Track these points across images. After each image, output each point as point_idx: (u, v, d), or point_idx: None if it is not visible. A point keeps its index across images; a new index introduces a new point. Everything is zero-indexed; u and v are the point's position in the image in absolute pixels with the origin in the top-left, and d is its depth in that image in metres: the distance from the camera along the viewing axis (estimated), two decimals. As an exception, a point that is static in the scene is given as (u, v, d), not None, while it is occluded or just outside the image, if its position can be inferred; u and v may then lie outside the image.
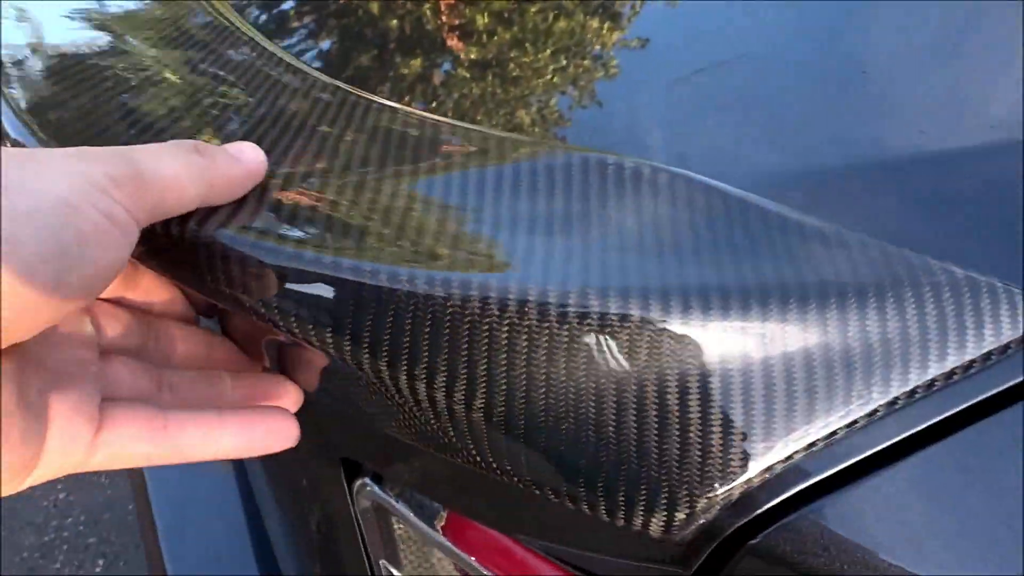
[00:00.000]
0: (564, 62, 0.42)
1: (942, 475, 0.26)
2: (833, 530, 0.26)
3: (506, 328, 0.26)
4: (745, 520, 0.27)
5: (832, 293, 0.27)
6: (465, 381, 0.27)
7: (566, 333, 0.26)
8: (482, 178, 0.31)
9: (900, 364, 0.26)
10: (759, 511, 0.26)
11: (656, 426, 0.26)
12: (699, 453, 0.26)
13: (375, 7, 0.49)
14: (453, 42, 0.46)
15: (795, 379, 0.26)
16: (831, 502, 0.26)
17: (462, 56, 0.44)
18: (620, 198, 0.29)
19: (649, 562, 0.31)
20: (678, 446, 0.26)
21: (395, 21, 0.47)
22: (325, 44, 0.48)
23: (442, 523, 0.40)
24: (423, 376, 0.27)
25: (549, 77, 0.41)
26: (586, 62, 0.42)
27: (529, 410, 0.27)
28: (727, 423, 0.26)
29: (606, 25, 0.45)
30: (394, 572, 0.45)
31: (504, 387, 0.27)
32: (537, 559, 0.36)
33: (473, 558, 0.38)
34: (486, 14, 0.48)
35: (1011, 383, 0.27)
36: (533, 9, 0.47)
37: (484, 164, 0.32)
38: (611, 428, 0.26)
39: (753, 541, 0.27)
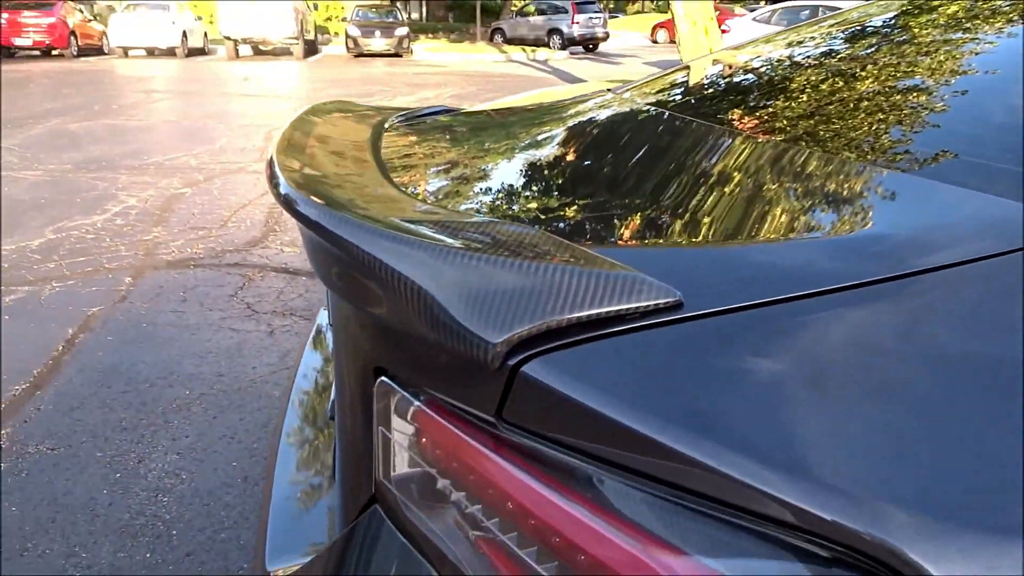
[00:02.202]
0: None
1: (612, 353, 0.60)
2: (570, 369, 0.60)
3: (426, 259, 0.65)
4: (520, 357, 0.61)
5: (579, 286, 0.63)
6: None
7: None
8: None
9: (608, 298, 0.61)
10: (528, 352, 0.61)
11: (486, 300, 0.62)
12: (499, 317, 0.61)
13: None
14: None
15: (557, 291, 0.61)
16: (564, 354, 0.60)
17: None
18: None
19: (481, 400, 0.65)
20: (491, 313, 0.61)
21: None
22: None
23: (421, 401, 0.75)
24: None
25: None
26: None
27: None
28: (518, 302, 0.61)
29: None
30: (384, 432, 0.80)
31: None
32: (443, 411, 0.71)
33: (430, 410, 0.73)
34: None
35: (647, 323, 0.61)
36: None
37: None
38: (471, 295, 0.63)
39: (523, 368, 0.61)
